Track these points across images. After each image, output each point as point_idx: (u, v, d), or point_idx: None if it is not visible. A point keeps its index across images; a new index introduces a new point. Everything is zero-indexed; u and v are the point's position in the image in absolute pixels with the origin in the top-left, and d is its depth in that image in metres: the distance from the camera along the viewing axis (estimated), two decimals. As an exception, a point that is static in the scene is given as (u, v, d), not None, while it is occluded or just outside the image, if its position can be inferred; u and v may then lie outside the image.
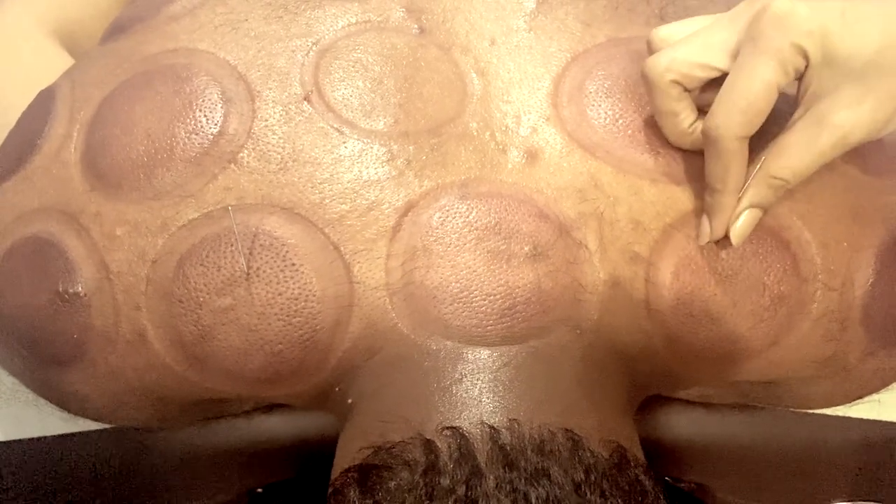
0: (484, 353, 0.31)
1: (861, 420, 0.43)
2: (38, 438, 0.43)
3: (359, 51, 0.35)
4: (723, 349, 0.33)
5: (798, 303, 0.33)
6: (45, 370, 0.35)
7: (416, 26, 0.36)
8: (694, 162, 0.33)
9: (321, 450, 0.39)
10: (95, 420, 0.39)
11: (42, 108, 0.37)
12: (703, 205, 0.32)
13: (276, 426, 0.43)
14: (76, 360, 0.34)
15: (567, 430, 0.28)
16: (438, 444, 0.28)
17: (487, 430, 0.28)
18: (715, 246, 0.32)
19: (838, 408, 0.40)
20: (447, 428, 0.28)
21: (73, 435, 0.42)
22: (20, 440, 0.43)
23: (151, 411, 0.36)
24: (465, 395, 0.30)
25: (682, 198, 0.33)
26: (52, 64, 0.47)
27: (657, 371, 0.34)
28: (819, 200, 0.33)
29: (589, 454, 0.27)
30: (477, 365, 0.30)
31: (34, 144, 0.35)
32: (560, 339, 0.31)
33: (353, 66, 0.34)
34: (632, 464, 0.28)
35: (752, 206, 0.31)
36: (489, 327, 0.31)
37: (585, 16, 0.36)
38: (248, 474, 0.43)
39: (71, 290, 0.32)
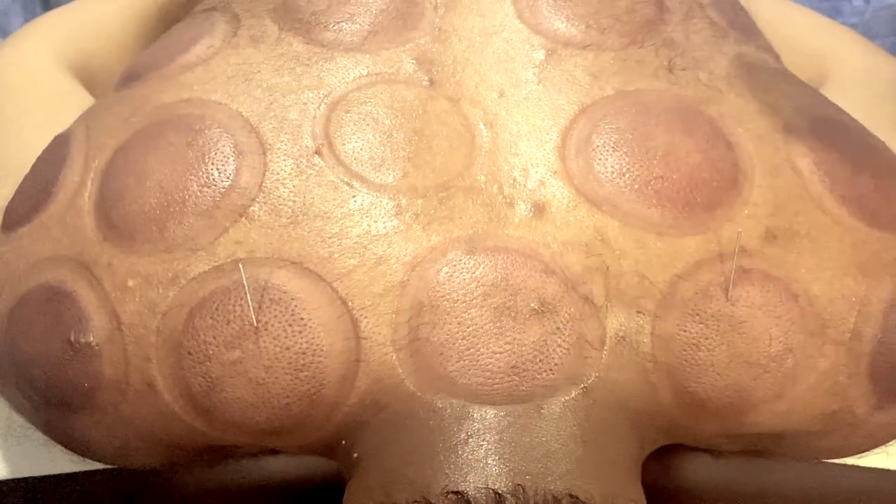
0: (490, 412, 0.31)
1: (871, 469, 0.43)
2: (46, 476, 0.43)
3: (369, 103, 0.35)
4: (728, 399, 0.33)
5: (805, 356, 0.33)
6: (55, 415, 0.35)
7: (426, 78, 0.36)
8: (701, 215, 0.33)
9: (327, 491, 0.39)
10: (103, 463, 0.39)
11: (58, 154, 0.37)
12: (710, 254, 0.32)
13: (282, 467, 0.43)
14: (86, 408, 0.34)
15: (571, 495, 0.28)
16: None
17: (493, 495, 0.28)
18: (723, 294, 0.32)
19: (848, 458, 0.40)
20: (452, 492, 0.28)
21: (80, 474, 0.43)
22: (28, 478, 0.43)
23: (159, 457, 0.36)
24: (470, 456, 0.30)
25: (688, 249, 0.33)
26: (69, 100, 0.48)
27: (664, 425, 0.34)
28: (826, 255, 0.33)
29: None
30: (483, 424, 0.30)
31: (49, 192, 0.36)
32: (566, 397, 0.31)
33: (363, 119, 0.35)
34: None
35: None
36: (496, 385, 0.31)
37: (594, 68, 0.37)
38: (255, 514, 0.43)
39: (83, 340, 0.33)
